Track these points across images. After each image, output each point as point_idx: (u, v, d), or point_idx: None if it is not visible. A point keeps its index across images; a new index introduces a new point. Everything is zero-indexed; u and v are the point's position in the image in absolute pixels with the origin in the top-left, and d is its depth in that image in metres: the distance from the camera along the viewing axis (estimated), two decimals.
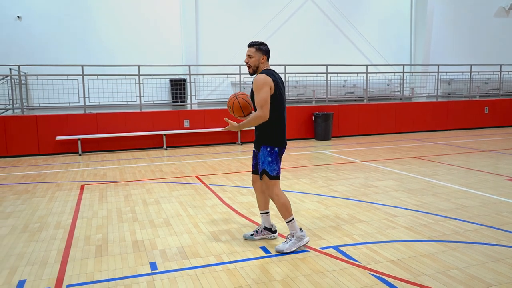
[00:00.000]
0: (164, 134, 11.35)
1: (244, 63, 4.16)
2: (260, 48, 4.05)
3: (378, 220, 5.02)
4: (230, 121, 4.12)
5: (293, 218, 4.07)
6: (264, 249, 4.17)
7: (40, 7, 12.93)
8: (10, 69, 11.67)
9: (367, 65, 14.19)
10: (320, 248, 4.17)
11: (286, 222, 4.07)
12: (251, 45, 4.07)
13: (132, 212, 5.54)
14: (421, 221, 4.94)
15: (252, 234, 4.39)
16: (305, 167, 8.47)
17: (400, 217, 5.11)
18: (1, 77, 11.52)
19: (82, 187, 7.03)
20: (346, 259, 3.89)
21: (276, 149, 4.06)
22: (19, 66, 10.84)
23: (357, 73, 14.26)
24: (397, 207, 5.55)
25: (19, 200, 6.23)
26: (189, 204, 5.87)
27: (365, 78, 14.43)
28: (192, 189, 6.75)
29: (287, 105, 12.89)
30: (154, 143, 11.43)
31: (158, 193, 6.52)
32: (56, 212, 5.58)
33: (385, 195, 6.18)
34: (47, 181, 7.56)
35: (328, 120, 12.52)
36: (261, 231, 4.41)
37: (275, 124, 4.03)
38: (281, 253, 4.00)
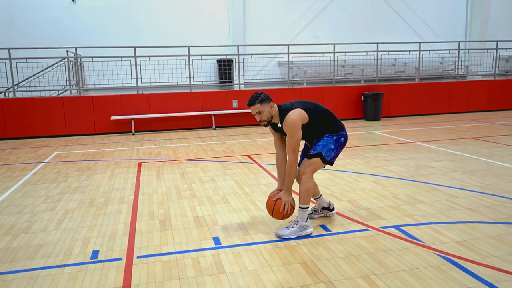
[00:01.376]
0: (213, 114, 11.50)
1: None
2: (263, 100, 3.83)
3: (438, 201, 4.90)
4: (278, 194, 3.99)
5: (308, 207, 3.97)
6: (324, 227, 4.18)
7: None
8: (67, 51, 12.14)
9: (420, 43, 13.65)
10: (380, 227, 4.13)
11: (300, 208, 3.95)
12: (252, 103, 3.83)
13: (190, 189, 5.70)
14: (485, 203, 4.78)
15: (311, 213, 4.40)
16: (357, 147, 8.35)
17: (462, 198, 4.96)
18: (59, 59, 12.00)
19: (140, 165, 7.29)
20: (409, 238, 3.84)
21: (342, 138, 4.06)
22: (76, 48, 11.26)
23: (409, 51, 13.76)
24: (458, 188, 5.38)
25: (82, 176, 6.56)
26: (244, 182, 5.96)
27: (417, 56, 13.91)
28: (245, 168, 6.83)
29: (335, 85, 12.77)
30: (203, 123, 11.62)
31: (213, 171, 6.65)
32: (118, 188, 5.83)
33: (444, 176, 6.00)
34: (106, 159, 7.89)
35: (378, 100, 12.23)
36: (320, 210, 4.42)
37: (330, 125, 4.02)
38: (280, 238, 3.89)
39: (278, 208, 3.92)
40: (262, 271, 3.31)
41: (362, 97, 12.46)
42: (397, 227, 4.13)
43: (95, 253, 3.71)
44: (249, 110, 11.74)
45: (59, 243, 3.96)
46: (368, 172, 6.35)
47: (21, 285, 3.19)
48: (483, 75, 15.17)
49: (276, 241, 3.87)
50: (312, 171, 4.00)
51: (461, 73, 14.96)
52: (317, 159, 3.98)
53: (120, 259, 3.58)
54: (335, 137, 4.03)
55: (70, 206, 5.09)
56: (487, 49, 14.82)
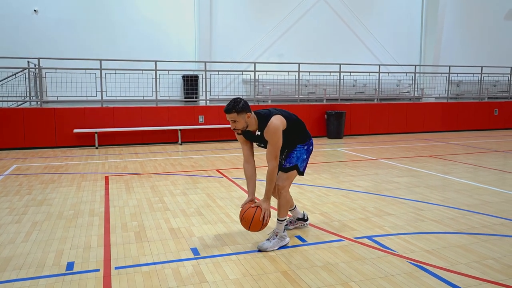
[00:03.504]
0: (180, 129, 11.45)
1: (226, 120, 3.72)
2: (240, 110, 3.70)
3: (405, 213, 5.13)
4: (256, 202, 3.90)
5: (285, 219, 4.06)
6: (299, 237, 4.28)
7: (56, 1, 13.03)
8: (28, 61, 11.77)
9: (379, 65, 14.30)
10: (354, 237, 4.28)
11: (279, 220, 3.99)
12: (229, 111, 3.70)
13: (162, 202, 5.65)
14: (448, 215, 5.05)
15: (286, 224, 4.47)
16: (323, 163, 8.58)
17: (427, 211, 5.22)
18: (19, 70, 11.62)
19: (107, 178, 7.14)
20: (382, 248, 4.00)
21: (311, 147, 4.17)
22: (38, 58, 10.95)
23: (369, 72, 14.36)
24: (422, 201, 5.65)
25: (47, 189, 6.35)
26: (216, 195, 5.98)
27: (377, 78, 14.53)
28: (216, 182, 6.86)
29: (298, 104, 13.08)
30: (169, 138, 11.54)
31: (183, 185, 6.63)
32: (87, 201, 5.69)
33: (407, 190, 6.28)
34: (71, 172, 7.68)
35: (341, 119, 12.63)
36: (295, 221, 4.52)
37: (302, 134, 4.11)
38: (264, 251, 3.90)
39: (258, 217, 3.79)
40: (244, 280, 3.34)
41: (326, 116, 12.82)
42: (369, 237, 4.29)
43: (70, 265, 3.61)
44: (216, 126, 11.87)
45: (30, 255, 3.82)
46: (336, 186, 6.54)
47: None
48: (436, 98, 16.03)
49: (254, 251, 3.92)
50: (290, 184, 4.10)
51: (417, 95, 15.74)
52: (294, 172, 4.06)
53: (98, 270, 3.51)
54: (305, 147, 4.11)
55: (37, 218, 4.92)
56: (440, 73, 15.72)
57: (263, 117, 3.84)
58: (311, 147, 4.18)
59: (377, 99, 14.53)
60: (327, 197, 5.87)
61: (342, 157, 9.38)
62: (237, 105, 3.69)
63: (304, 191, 6.23)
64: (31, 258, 3.75)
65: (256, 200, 3.97)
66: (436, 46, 17.21)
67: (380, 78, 14.56)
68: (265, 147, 3.92)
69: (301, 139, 4.10)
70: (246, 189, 4.08)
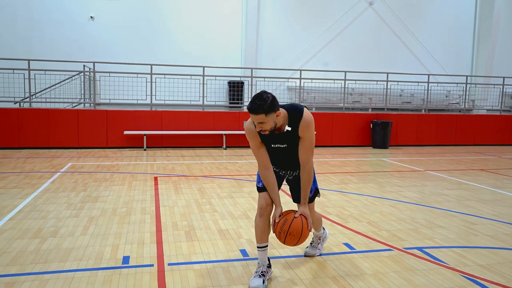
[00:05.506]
0: (224, 134, 11.64)
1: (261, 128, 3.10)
2: (269, 110, 3.00)
3: (457, 226, 4.99)
4: (296, 212, 3.35)
5: (322, 231, 3.94)
6: (348, 245, 4.26)
7: (111, 8, 13.64)
8: (83, 65, 12.37)
9: (428, 75, 13.96)
10: (404, 248, 4.21)
11: (317, 236, 3.92)
12: (256, 111, 2.99)
13: (209, 204, 5.77)
14: (503, 230, 4.86)
15: (264, 282, 3.28)
16: (369, 173, 8.47)
17: (480, 225, 5.05)
18: (76, 73, 12.22)
19: (156, 179, 7.38)
20: (433, 260, 3.91)
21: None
22: (93, 63, 11.48)
23: (418, 82, 14.04)
24: (475, 215, 5.47)
25: (101, 187, 6.63)
26: None
27: (425, 88, 14.18)
28: None
29: (344, 112, 12.97)
30: (214, 142, 11.76)
31: (229, 188, 6.74)
32: (139, 200, 5.91)
33: (459, 203, 6.10)
34: (122, 172, 7.98)
35: (387, 129, 12.41)
36: (267, 271, 3.40)
37: None
38: (313, 256, 3.90)
39: (306, 227, 3.27)
40: (292, 283, 3.37)
41: (371, 125, 12.65)
42: (420, 248, 4.21)
43: (126, 259, 3.77)
44: None
45: (88, 247, 4.02)
46: (383, 196, 6.45)
47: (57, 285, 3.24)
48: (488, 110, 15.43)
49: (302, 256, 3.94)
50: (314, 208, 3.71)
51: (467, 107, 15.22)
52: (314, 198, 3.57)
53: (152, 265, 3.65)
54: (312, 161, 3.39)
55: (93, 214, 5.16)
56: (494, 84, 15.12)
57: (294, 110, 3.19)
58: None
59: (425, 109, 14.18)
60: (374, 207, 5.80)
61: (388, 167, 9.22)
62: (264, 104, 2.98)
63: (350, 199, 6.18)
64: (89, 250, 3.95)
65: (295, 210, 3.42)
66: (489, 56, 16.60)
67: (429, 88, 14.20)
68: (289, 148, 3.28)
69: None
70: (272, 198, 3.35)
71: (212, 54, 14.30)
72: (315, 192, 3.55)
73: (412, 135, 13.29)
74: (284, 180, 3.63)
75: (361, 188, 6.95)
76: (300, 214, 3.31)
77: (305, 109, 3.21)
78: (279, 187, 3.47)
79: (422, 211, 5.62)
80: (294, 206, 3.85)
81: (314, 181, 3.51)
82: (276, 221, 3.28)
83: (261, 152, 3.30)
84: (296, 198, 3.52)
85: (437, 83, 14.67)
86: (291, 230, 3.22)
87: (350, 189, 6.81)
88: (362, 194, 6.52)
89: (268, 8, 14.79)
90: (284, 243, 3.30)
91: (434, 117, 13.51)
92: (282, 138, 3.24)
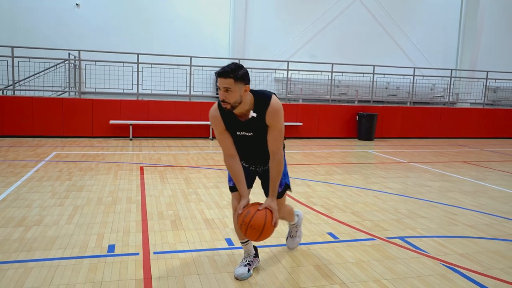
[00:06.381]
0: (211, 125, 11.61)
1: (221, 97, 2.88)
2: (240, 77, 2.83)
3: (438, 216, 5.10)
4: (263, 204, 3.14)
5: (298, 214, 3.85)
6: (331, 234, 4.33)
7: None
8: (69, 53, 12.19)
9: (414, 68, 14.10)
10: (386, 237, 4.29)
11: (292, 225, 3.78)
12: (225, 74, 2.80)
13: (196, 193, 5.79)
14: (483, 221, 4.99)
15: (249, 270, 3.32)
16: (354, 164, 8.57)
17: (461, 216, 5.17)
18: (60, 61, 12.05)
19: (142, 168, 7.36)
20: (414, 249, 4.01)
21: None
22: (79, 51, 11.32)
23: (403, 75, 14.18)
24: (456, 206, 5.60)
25: (86, 176, 6.60)
26: None
27: (411, 81, 14.33)
28: None
29: (330, 104, 13.06)
30: (200, 133, 11.74)
31: (215, 178, 6.76)
32: (124, 189, 5.89)
33: (440, 194, 6.22)
34: (107, 161, 7.94)
35: (373, 121, 12.53)
36: (254, 261, 3.45)
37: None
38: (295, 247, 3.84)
39: (270, 221, 3.06)
40: (277, 271, 3.43)
41: (357, 117, 12.75)
42: (401, 238, 4.30)
43: (111, 247, 3.78)
44: None
45: (73, 236, 4.02)
46: (368, 187, 6.54)
47: (42, 273, 3.24)
48: (471, 103, 15.67)
49: (285, 245, 3.99)
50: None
51: (451, 100, 15.43)
52: (285, 193, 3.36)
53: (137, 253, 3.66)
54: (284, 154, 3.22)
55: (78, 203, 5.14)
56: (478, 78, 15.35)
57: (261, 95, 2.98)
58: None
59: (410, 102, 14.34)
60: (358, 197, 5.89)
61: (373, 159, 9.34)
62: (235, 70, 2.81)
63: (335, 190, 6.26)
64: (74, 239, 3.95)
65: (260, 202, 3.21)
66: (474, 51, 16.83)
67: (414, 81, 14.34)
68: (256, 137, 3.08)
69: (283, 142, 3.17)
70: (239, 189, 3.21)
71: (200, 44, 14.22)
72: (285, 187, 3.33)
73: (397, 128, 13.44)
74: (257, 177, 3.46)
75: (346, 179, 7.04)
76: (266, 208, 3.10)
77: (273, 96, 2.99)
78: (250, 186, 3.36)
79: (405, 202, 5.72)
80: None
81: (286, 176, 3.33)
82: (239, 212, 3.11)
83: (225, 138, 3.12)
84: (266, 192, 3.34)
85: (423, 76, 14.84)
86: (252, 223, 3.01)
87: (335, 180, 6.89)
88: (347, 185, 6.60)
89: None
90: (245, 236, 3.11)
91: (419, 110, 13.67)
92: (247, 126, 3.02)
